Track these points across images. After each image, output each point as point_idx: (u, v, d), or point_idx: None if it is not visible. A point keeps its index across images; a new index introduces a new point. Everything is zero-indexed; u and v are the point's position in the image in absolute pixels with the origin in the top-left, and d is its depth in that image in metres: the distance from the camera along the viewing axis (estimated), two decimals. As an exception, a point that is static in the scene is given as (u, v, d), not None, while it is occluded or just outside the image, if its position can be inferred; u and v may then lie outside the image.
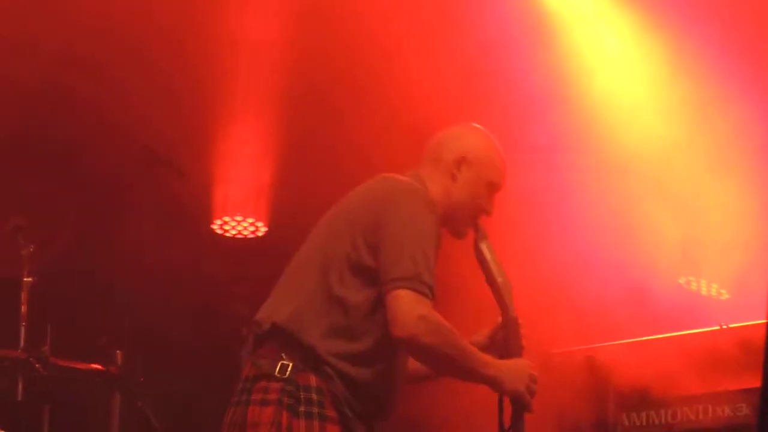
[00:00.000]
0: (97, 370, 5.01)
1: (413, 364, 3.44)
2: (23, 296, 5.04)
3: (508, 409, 3.31)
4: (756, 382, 4.24)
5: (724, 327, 4.23)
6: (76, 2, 5.59)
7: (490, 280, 3.38)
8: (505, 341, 3.36)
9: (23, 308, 5.01)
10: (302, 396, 3.03)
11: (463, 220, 3.38)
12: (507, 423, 3.32)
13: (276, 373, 3.06)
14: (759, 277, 5.05)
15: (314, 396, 3.03)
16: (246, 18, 5.91)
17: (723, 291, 4.96)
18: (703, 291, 4.96)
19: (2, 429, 4.66)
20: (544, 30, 6.46)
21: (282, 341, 3.14)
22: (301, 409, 3.01)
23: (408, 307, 3.03)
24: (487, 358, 3.23)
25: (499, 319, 3.41)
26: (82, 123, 6.05)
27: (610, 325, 4.74)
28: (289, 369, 3.04)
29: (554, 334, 4.58)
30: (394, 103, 5.85)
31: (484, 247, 3.37)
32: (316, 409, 3.02)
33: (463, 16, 6.07)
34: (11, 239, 5.07)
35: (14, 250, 5.07)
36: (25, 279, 5.05)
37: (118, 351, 5.20)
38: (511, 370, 3.23)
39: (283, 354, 3.12)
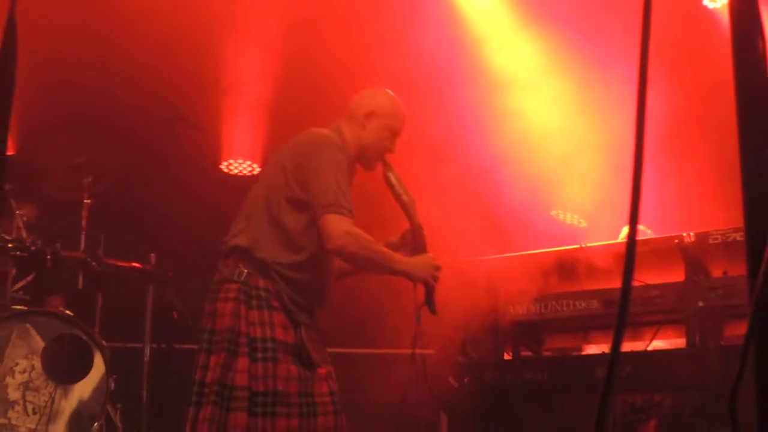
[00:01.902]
0: (136, 267, 5.21)
1: (341, 264, 3.68)
2: (83, 213, 5.17)
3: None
4: (603, 285, 4.57)
5: (583, 246, 4.40)
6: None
7: (398, 199, 3.63)
8: (413, 243, 3.61)
9: (83, 222, 5.16)
10: (254, 293, 3.32)
11: (372, 158, 3.65)
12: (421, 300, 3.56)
13: (235, 278, 3.35)
14: (608, 209, 5.20)
15: (263, 293, 3.34)
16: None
17: (582, 220, 5.19)
18: (568, 220, 5.19)
19: (67, 310, 4.78)
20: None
21: (239, 255, 3.42)
22: (254, 302, 3.33)
23: (335, 226, 3.31)
24: (398, 256, 3.53)
25: (407, 226, 3.64)
26: (125, 90, 6.15)
27: (503, 241, 4.91)
28: (244, 275, 3.33)
29: (462, 245, 4.63)
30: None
31: (391, 176, 3.61)
32: (264, 302, 3.31)
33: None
34: (76, 173, 5.23)
35: (78, 180, 5.21)
36: (85, 201, 5.22)
37: (152, 254, 5.33)
38: (418, 263, 3.52)
39: (240, 264, 3.39)
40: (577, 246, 4.45)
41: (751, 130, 1.13)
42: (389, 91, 3.76)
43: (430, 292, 3.57)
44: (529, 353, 4.55)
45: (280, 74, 6.70)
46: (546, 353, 4.66)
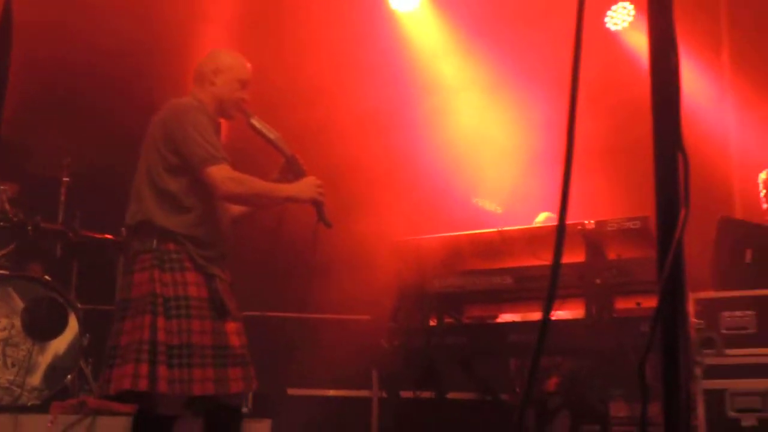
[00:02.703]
0: (109, 239, 5.07)
1: (235, 210, 3.62)
2: (62, 190, 5.08)
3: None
4: (515, 263, 4.62)
5: (499, 230, 4.34)
6: None
7: (266, 139, 3.55)
8: (291, 172, 3.54)
9: (62, 198, 5.03)
10: (166, 258, 3.26)
11: (230, 109, 3.56)
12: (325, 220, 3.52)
13: (147, 248, 3.28)
14: (520, 198, 5.43)
15: (174, 256, 3.27)
16: None
17: (498, 207, 5.22)
18: (487, 207, 5.21)
19: (46, 275, 4.65)
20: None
21: (145, 229, 3.34)
22: (166, 266, 3.24)
23: (217, 175, 3.28)
24: (283, 185, 3.52)
25: (283, 160, 3.58)
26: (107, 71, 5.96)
27: (432, 224, 4.90)
28: (155, 243, 3.26)
29: (398, 227, 4.80)
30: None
31: (253, 121, 3.53)
32: (176, 264, 3.25)
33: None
34: (55, 153, 5.10)
35: (57, 160, 5.10)
36: (63, 179, 5.10)
37: (123, 227, 5.36)
38: (302, 186, 3.48)
39: (148, 236, 3.32)
40: (495, 229, 4.42)
41: (665, 136, 1.10)
42: (227, 49, 3.75)
43: (320, 209, 3.52)
44: (451, 320, 4.55)
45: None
46: (465, 321, 4.67)
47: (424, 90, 6.27)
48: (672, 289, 1.06)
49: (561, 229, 1.06)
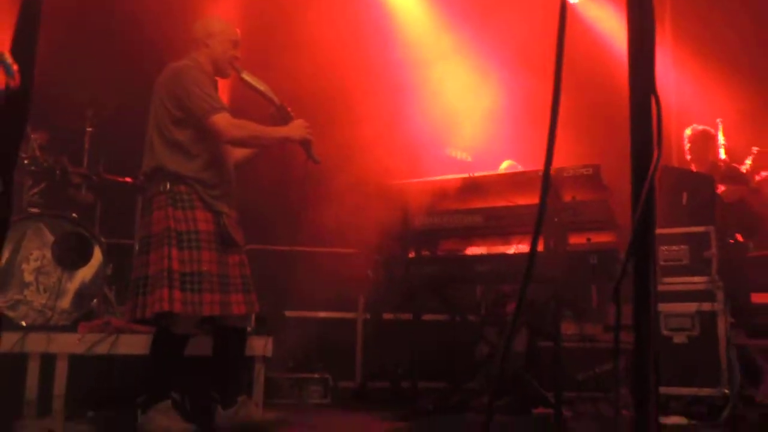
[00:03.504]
0: (128, 181, 4.97)
1: (238, 154, 3.62)
2: (86, 138, 5.03)
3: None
4: (483, 204, 4.60)
5: (471, 175, 4.36)
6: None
7: (257, 91, 3.52)
8: (281, 118, 3.52)
9: (86, 145, 4.99)
10: (178, 198, 3.24)
11: (224, 68, 3.51)
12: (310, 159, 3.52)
13: (161, 190, 3.26)
14: (488, 149, 5.40)
15: (185, 197, 3.25)
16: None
17: (468, 156, 5.19)
18: (459, 156, 5.17)
19: (73, 214, 4.55)
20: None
21: (159, 175, 3.30)
22: (179, 204, 3.22)
23: (220, 123, 3.26)
24: (277, 128, 3.51)
25: (273, 109, 3.56)
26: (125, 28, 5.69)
27: (413, 170, 4.72)
28: (168, 186, 3.24)
29: (383, 172, 4.75)
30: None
31: (245, 75, 3.48)
32: (187, 204, 3.24)
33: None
34: (80, 105, 4.94)
35: (81, 110, 5.01)
36: (87, 129, 5.02)
37: (140, 174, 5.21)
38: (293, 128, 3.47)
39: (162, 181, 3.30)
40: (467, 175, 4.39)
41: (640, 82, 1.02)
42: (216, 16, 3.68)
43: (309, 148, 3.52)
44: (427, 253, 4.54)
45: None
46: (440, 253, 4.65)
47: (409, 57, 6.21)
48: (645, 221, 1.00)
49: (546, 177, 1.00)
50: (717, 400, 3.99)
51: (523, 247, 4.49)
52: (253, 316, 3.79)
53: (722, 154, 5.70)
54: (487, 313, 5.22)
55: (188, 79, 3.34)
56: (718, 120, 5.84)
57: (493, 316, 5.17)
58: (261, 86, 3.53)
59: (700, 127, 5.52)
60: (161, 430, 3.13)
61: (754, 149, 5.56)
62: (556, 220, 4.00)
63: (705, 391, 3.97)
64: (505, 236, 4.52)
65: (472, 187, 4.30)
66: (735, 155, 5.70)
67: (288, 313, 5.28)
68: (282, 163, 4.66)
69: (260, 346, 4.14)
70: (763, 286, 5.85)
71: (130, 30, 5.51)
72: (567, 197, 4.13)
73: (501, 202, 4.32)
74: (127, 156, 4.66)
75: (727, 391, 3.96)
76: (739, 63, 6.15)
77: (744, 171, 5.51)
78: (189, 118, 3.32)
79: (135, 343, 3.81)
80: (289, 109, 3.55)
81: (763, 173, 5.62)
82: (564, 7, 1.08)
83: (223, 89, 3.60)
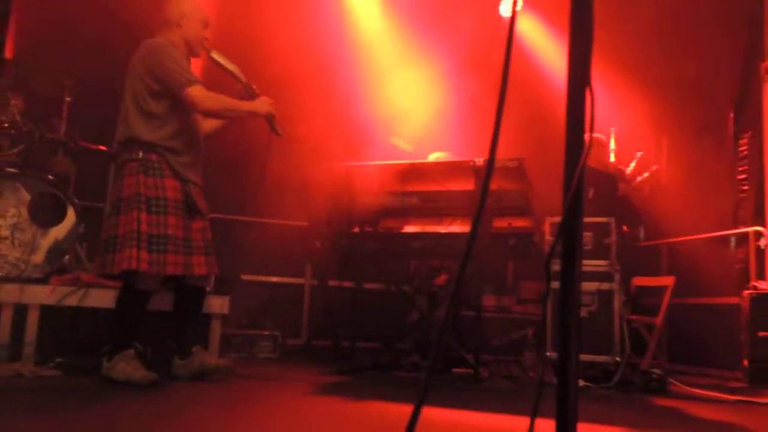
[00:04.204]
0: (102, 149, 4.71)
1: (207, 125, 3.50)
2: (64, 107, 4.76)
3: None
4: (420, 188, 4.58)
5: (411, 162, 4.30)
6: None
7: (225, 69, 3.40)
8: (248, 95, 3.41)
9: (64, 114, 4.74)
10: (149, 165, 3.12)
11: (196, 47, 3.36)
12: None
13: (134, 158, 3.14)
14: (427, 140, 5.38)
15: (156, 165, 3.13)
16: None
17: (409, 146, 5.18)
18: (401, 145, 5.14)
19: (50, 175, 4.46)
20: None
21: (132, 143, 3.17)
22: (149, 172, 3.10)
23: (195, 95, 3.13)
24: (245, 102, 3.37)
25: (240, 86, 3.44)
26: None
27: (360, 154, 4.70)
28: (141, 155, 3.12)
29: (334, 155, 4.71)
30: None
31: (214, 54, 3.37)
32: (157, 171, 3.12)
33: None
34: (60, 76, 4.63)
35: (59, 82, 4.73)
36: (66, 98, 4.76)
37: (114, 143, 5.03)
38: (257, 103, 3.36)
39: (135, 149, 3.19)
40: (407, 161, 4.36)
41: (577, 73, 0.99)
42: None
43: (272, 121, 3.42)
44: (369, 229, 4.49)
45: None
46: (380, 230, 4.60)
47: (362, 55, 6.15)
48: (575, 200, 0.97)
49: (490, 165, 0.97)
50: (609, 366, 4.09)
51: (454, 227, 4.50)
52: (213, 278, 3.68)
53: (612, 158, 5.89)
54: (419, 284, 5.23)
55: (164, 54, 3.22)
56: (611, 129, 6.03)
57: (424, 287, 5.18)
58: (229, 65, 3.43)
59: (595, 135, 5.64)
60: (124, 376, 3.06)
61: (638, 154, 5.72)
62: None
63: (600, 358, 4.07)
64: (438, 217, 4.52)
65: (411, 172, 4.26)
66: (622, 158, 5.86)
67: (244, 277, 5.19)
68: (243, 140, 4.53)
69: (218, 304, 4.06)
70: (649, 270, 6.05)
71: (109, 9, 5.22)
72: (494, 186, 4.14)
73: (436, 187, 4.31)
74: (102, 126, 4.48)
75: (618, 358, 4.06)
76: (633, 71, 6.23)
77: (628, 172, 5.67)
78: (165, 90, 3.22)
79: (103, 297, 3.67)
80: (254, 86, 3.46)
81: (645, 174, 5.82)
82: (513, 17, 1.04)
83: (195, 68, 3.43)
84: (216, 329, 4.02)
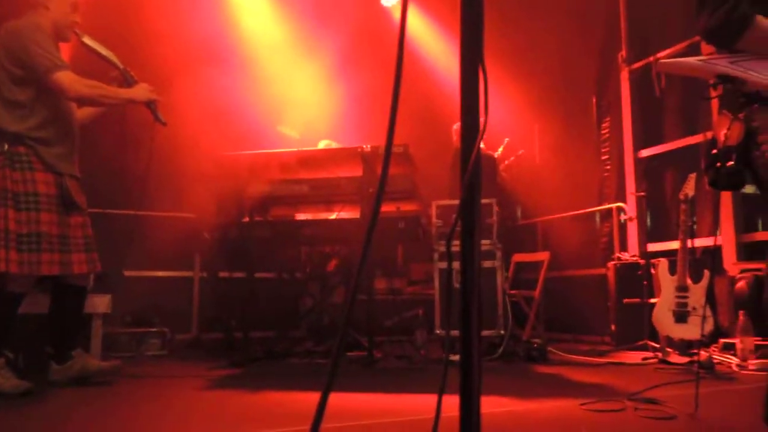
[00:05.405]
0: None
1: (82, 113, 3.22)
2: None
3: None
4: (309, 176, 4.52)
5: (298, 150, 4.19)
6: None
7: (99, 55, 3.15)
8: (126, 82, 3.17)
9: None
10: (16, 159, 2.85)
11: (65, 31, 3.08)
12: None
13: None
14: (313, 128, 5.33)
15: (24, 158, 2.86)
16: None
17: (296, 133, 5.07)
18: (288, 133, 5.02)
19: None
20: None
21: None
22: (17, 165, 2.83)
23: (63, 80, 2.87)
24: (122, 89, 3.11)
25: (116, 72, 3.19)
26: None
27: (249, 143, 4.58)
28: (6, 147, 2.84)
29: (222, 145, 4.53)
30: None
31: (86, 40, 3.11)
32: (26, 165, 2.84)
33: None
34: None
35: None
36: None
37: None
38: (137, 90, 3.12)
39: (0, 141, 2.86)
40: (295, 149, 4.26)
41: (468, 53, 0.96)
42: None
43: (155, 109, 3.19)
44: (259, 218, 4.39)
45: None
46: (270, 218, 4.51)
47: (246, 44, 5.94)
48: (472, 183, 0.95)
49: (387, 155, 0.93)
50: (495, 339, 4.24)
51: (344, 214, 4.47)
52: (93, 276, 3.41)
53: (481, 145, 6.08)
54: (311, 271, 5.17)
55: (28, 37, 2.92)
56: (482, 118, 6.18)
57: (316, 273, 5.13)
58: (102, 50, 3.16)
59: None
60: (-7, 387, 2.75)
61: (506, 140, 5.94)
62: (371, 190, 4.00)
63: (486, 333, 4.19)
64: (328, 204, 4.48)
65: (300, 160, 4.17)
66: (491, 145, 6.07)
67: (127, 273, 4.88)
68: (125, 129, 4.22)
69: (100, 303, 3.79)
70: (527, 247, 6.34)
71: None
72: (380, 171, 4.15)
73: (324, 174, 4.26)
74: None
75: (502, 332, 4.21)
76: (506, 63, 6.47)
77: (496, 157, 5.88)
78: (30, 76, 2.92)
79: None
80: (132, 73, 3.21)
81: (512, 158, 6.09)
82: (405, 7, 1.00)
83: (64, 54, 3.12)
84: (98, 329, 3.75)
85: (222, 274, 5.31)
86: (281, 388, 3.00)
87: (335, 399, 2.64)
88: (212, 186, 4.15)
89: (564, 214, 6.44)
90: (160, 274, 5.26)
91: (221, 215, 4.27)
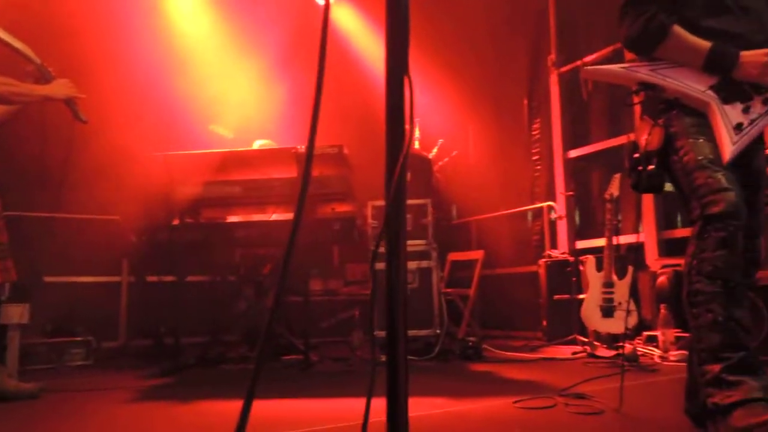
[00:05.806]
0: None
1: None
2: None
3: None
4: (242, 177, 4.41)
5: (231, 150, 4.08)
6: None
7: (13, 48, 2.97)
8: (43, 77, 3.02)
9: None
10: None
11: None
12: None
13: None
14: (246, 128, 5.21)
15: None
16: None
17: (230, 133, 4.94)
18: (221, 132, 4.89)
19: None
20: None
21: None
22: None
23: None
24: (39, 86, 2.96)
25: (30, 67, 3.03)
26: None
27: (179, 143, 4.41)
28: None
29: (150, 146, 4.37)
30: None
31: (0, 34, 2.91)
32: None
33: None
34: None
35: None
36: None
37: None
38: (55, 87, 2.98)
39: None
40: (227, 150, 4.13)
41: (395, 63, 0.94)
42: None
43: (74, 107, 3.05)
44: (191, 220, 4.23)
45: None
46: (202, 221, 4.36)
47: (175, 41, 5.75)
48: (398, 185, 0.93)
49: (309, 155, 0.90)
50: (431, 338, 4.25)
51: (277, 216, 4.38)
52: (8, 285, 3.21)
53: (416, 145, 6.11)
54: (245, 274, 5.05)
55: None
56: (416, 119, 6.21)
57: (250, 276, 5.02)
58: (17, 44, 2.95)
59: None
60: None
61: (440, 141, 5.99)
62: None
63: (422, 333, 4.21)
64: (261, 205, 4.38)
65: (233, 160, 4.05)
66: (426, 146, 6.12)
67: (47, 279, 4.62)
68: (42, 128, 4.00)
69: (16, 313, 3.55)
70: (462, 246, 6.41)
71: None
72: (315, 172, 4.09)
73: (258, 175, 4.16)
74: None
75: (438, 330, 4.23)
76: (442, 66, 6.52)
77: (431, 158, 5.93)
78: None
79: None
80: (50, 69, 3.03)
81: (446, 159, 6.15)
82: (327, 8, 0.98)
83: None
84: (14, 341, 3.52)
85: (151, 279, 5.11)
86: (213, 397, 2.90)
87: (268, 406, 2.58)
88: (140, 187, 3.98)
89: (497, 213, 6.55)
90: (85, 279, 5.01)
91: (149, 218, 4.10)
